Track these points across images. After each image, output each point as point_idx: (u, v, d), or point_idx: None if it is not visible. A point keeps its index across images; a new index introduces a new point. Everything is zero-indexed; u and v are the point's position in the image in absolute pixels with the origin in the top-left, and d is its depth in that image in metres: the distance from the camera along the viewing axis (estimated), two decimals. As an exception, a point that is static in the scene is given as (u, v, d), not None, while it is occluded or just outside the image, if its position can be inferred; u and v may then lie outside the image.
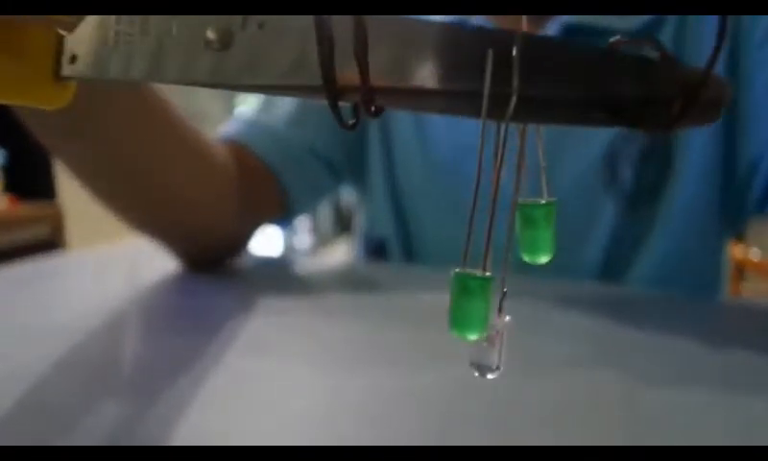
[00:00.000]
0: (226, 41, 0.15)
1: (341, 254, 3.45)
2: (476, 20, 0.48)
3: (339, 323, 0.34)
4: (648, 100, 0.13)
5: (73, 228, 1.77)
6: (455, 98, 0.14)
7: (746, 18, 0.43)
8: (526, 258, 0.16)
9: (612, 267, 0.47)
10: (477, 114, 0.13)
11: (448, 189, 0.50)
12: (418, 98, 0.14)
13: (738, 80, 0.43)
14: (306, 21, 0.14)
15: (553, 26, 0.45)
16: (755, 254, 1.18)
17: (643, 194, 0.46)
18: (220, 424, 0.22)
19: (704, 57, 0.13)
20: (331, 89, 0.14)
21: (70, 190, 1.81)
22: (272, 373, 0.27)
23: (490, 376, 0.15)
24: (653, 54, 0.13)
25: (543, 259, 0.16)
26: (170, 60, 0.15)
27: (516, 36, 0.14)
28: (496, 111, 0.13)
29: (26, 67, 0.16)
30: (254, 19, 0.15)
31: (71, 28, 0.16)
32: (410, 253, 0.54)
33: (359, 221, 0.61)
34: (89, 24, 0.16)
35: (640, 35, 0.45)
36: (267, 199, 0.50)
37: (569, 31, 0.45)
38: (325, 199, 0.58)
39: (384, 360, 0.28)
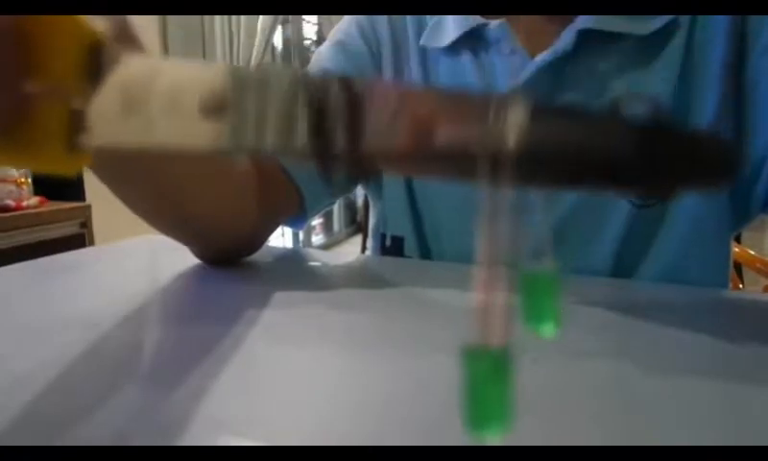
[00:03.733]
0: (220, 107, 0.15)
1: (353, 252, 3.45)
2: (493, 28, 0.48)
3: (353, 314, 0.34)
4: (649, 170, 0.12)
5: (100, 225, 1.80)
6: (448, 163, 0.14)
7: (754, 22, 0.43)
8: (530, 328, 0.14)
9: (623, 266, 0.46)
10: (471, 181, 0.12)
11: (467, 189, 0.49)
12: (409, 164, 0.14)
13: (745, 81, 0.43)
14: (294, 87, 0.14)
15: (569, 32, 0.45)
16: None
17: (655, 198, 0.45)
18: (238, 410, 0.22)
19: (710, 66, 0.13)
20: (320, 155, 0.13)
21: (97, 191, 1.83)
22: (288, 361, 0.27)
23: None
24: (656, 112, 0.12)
25: (549, 332, 0.14)
26: (170, 127, 0.15)
27: (515, 101, 0.12)
28: (492, 175, 0.12)
29: (41, 138, 0.16)
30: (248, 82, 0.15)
31: (83, 101, 0.16)
32: (426, 251, 0.53)
33: (373, 219, 0.61)
34: (101, 97, 0.16)
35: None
36: (282, 199, 0.50)
37: (585, 35, 0.44)
38: (339, 199, 0.58)
39: (397, 350, 0.28)
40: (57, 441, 0.19)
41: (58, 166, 0.17)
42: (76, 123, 0.16)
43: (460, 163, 0.13)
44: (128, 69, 0.16)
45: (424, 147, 0.13)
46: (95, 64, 0.16)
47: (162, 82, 0.16)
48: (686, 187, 0.13)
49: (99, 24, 0.16)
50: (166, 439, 0.20)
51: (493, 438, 0.12)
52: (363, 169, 0.14)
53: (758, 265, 1.12)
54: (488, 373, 0.11)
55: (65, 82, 0.16)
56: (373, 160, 0.14)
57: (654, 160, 0.12)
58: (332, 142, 0.13)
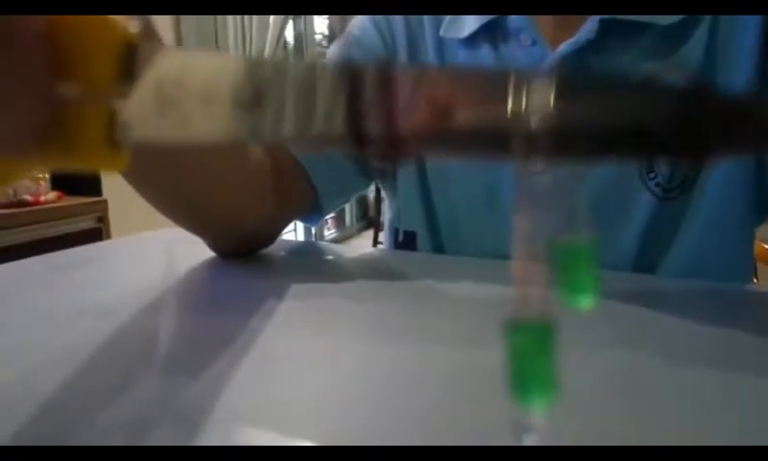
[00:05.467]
0: (256, 99, 0.15)
1: (365, 246, 3.45)
2: (514, 19, 0.47)
3: (367, 306, 0.34)
4: (683, 133, 0.12)
5: (116, 220, 1.81)
6: (484, 140, 0.13)
7: None
8: (567, 302, 0.14)
9: (647, 257, 0.46)
10: (505, 157, 0.12)
11: (484, 185, 0.49)
12: (446, 144, 0.14)
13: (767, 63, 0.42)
14: (332, 73, 0.14)
15: (591, 22, 0.44)
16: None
17: (678, 184, 0.45)
18: (254, 400, 0.22)
19: (735, 57, 0.13)
20: (356, 140, 0.13)
21: (114, 185, 1.85)
22: (303, 352, 0.27)
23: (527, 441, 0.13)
24: (687, 80, 0.12)
25: (587, 303, 0.14)
26: (205, 121, 0.15)
27: (550, 75, 0.12)
28: (525, 151, 0.12)
29: (83, 140, 0.16)
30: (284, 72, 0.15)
31: (121, 100, 0.16)
32: (438, 246, 0.53)
33: (387, 214, 0.60)
34: (138, 93, 0.16)
35: (676, 38, 0.43)
36: (297, 195, 0.50)
37: (607, 25, 0.43)
38: (354, 196, 0.58)
39: (411, 341, 0.28)
40: (75, 429, 0.20)
41: (102, 165, 0.17)
42: (116, 122, 0.16)
43: (492, 141, 0.13)
44: (161, 66, 0.16)
45: (457, 126, 0.13)
46: (130, 64, 0.16)
47: (196, 76, 0.16)
48: (729, 151, 0.12)
49: (131, 24, 0.16)
50: (183, 428, 0.20)
51: (540, 409, 0.12)
52: (399, 152, 0.14)
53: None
54: (531, 345, 0.12)
55: (102, 83, 0.16)
56: (409, 143, 0.13)
57: (693, 122, 0.12)
58: (368, 127, 0.13)
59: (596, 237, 0.14)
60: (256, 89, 0.15)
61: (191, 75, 0.16)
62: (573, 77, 0.12)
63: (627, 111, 0.12)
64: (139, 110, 0.16)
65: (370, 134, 0.13)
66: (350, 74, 0.14)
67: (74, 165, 0.17)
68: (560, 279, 0.14)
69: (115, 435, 0.19)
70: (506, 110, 0.12)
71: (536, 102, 0.12)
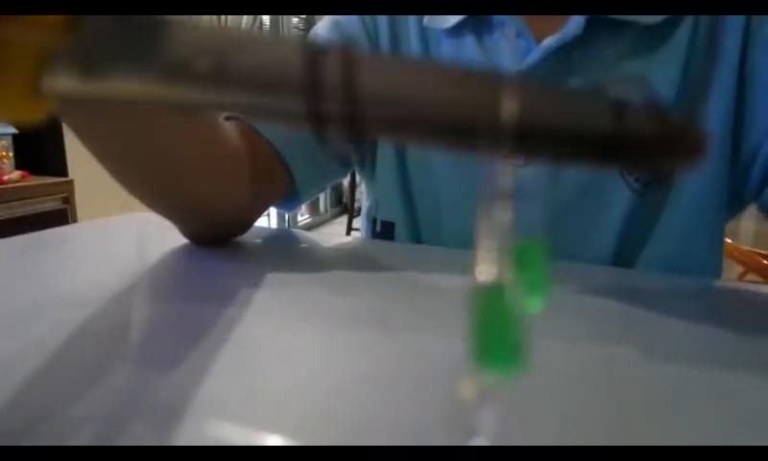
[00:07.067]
0: (216, 67, 0.14)
1: (339, 231, 3.44)
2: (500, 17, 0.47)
3: (344, 295, 0.34)
4: (627, 142, 0.13)
5: (83, 201, 1.76)
6: (446, 135, 0.13)
7: (757, 17, 0.43)
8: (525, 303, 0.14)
9: (625, 252, 0.46)
10: (468, 152, 0.12)
11: (465, 176, 0.49)
12: (405, 133, 0.13)
13: (747, 72, 0.43)
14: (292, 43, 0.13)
15: (578, 17, 0.44)
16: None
17: (656, 181, 0.45)
18: (230, 391, 0.22)
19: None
20: (314, 116, 0.13)
21: (80, 165, 1.79)
22: (280, 342, 0.27)
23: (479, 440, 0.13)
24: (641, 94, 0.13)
25: (537, 305, 0.14)
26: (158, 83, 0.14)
27: (507, 82, 0.12)
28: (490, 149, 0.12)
29: (5, 83, 0.15)
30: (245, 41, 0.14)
31: (53, 42, 0.15)
32: (418, 237, 0.53)
33: (364, 203, 0.60)
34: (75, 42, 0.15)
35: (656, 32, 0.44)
36: (274, 181, 0.49)
37: (593, 21, 0.43)
38: (332, 183, 0.58)
39: (389, 331, 0.28)
40: (42, 427, 0.19)
41: (21, 111, 0.16)
42: (43, 66, 0.15)
43: (458, 135, 0.13)
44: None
45: (421, 118, 0.13)
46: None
47: (150, 34, 0.14)
48: (663, 164, 0.13)
49: None
50: (157, 423, 0.19)
51: (507, 373, 0.12)
52: (357, 135, 0.13)
53: (736, 254, 1.14)
54: (492, 302, 0.12)
55: (43, 24, 0.15)
56: (369, 127, 0.13)
57: (628, 137, 0.12)
58: (327, 106, 0.13)
59: (546, 238, 0.14)
60: (216, 56, 0.14)
61: (145, 32, 0.14)
62: (539, 80, 0.12)
63: (575, 121, 0.12)
64: (68, 59, 0.15)
65: (328, 114, 0.13)
66: (314, 50, 0.13)
67: None
68: (516, 278, 0.14)
69: (84, 432, 0.19)
70: (472, 106, 0.12)
71: (502, 100, 0.12)
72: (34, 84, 0.15)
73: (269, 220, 2.99)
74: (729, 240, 1.17)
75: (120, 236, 0.50)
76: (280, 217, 3.09)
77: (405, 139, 0.14)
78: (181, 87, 0.14)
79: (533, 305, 0.14)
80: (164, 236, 0.45)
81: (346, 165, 0.55)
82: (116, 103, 0.15)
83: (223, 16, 2.63)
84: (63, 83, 0.15)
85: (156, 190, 0.41)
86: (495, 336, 0.12)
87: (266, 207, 0.50)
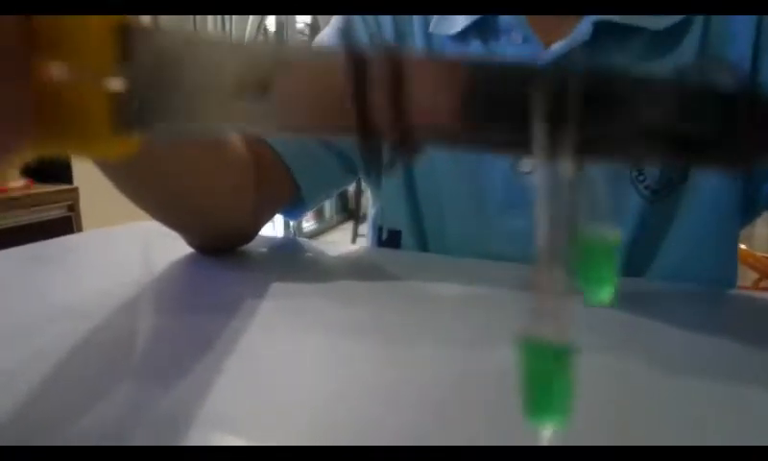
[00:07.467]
0: (263, 86, 0.14)
1: (344, 239, 3.44)
2: (505, 16, 0.47)
3: (350, 306, 0.33)
4: (725, 137, 0.12)
5: (88, 210, 1.76)
6: (502, 141, 0.13)
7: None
8: (587, 296, 0.14)
9: (636, 260, 0.46)
10: (526, 154, 0.12)
11: (472, 185, 0.48)
12: (457, 139, 0.13)
13: (759, 73, 0.42)
14: (338, 59, 0.13)
15: (585, 23, 0.43)
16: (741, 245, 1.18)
17: (667, 188, 0.45)
18: (235, 404, 0.21)
19: (730, 58, 0.12)
20: (366, 130, 0.12)
21: (85, 172, 1.80)
22: (285, 354, 0.26)
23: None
24: (726, 78, 0.12)
25: (606, 297, 0.14)
26: (210, 109, 0.15)
27: (571, 73, 0.11)
28: (549, 152, 0.11)
29: (85, 122, 0.16)
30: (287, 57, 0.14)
31: (119, 81, 0.16)
32: (425, 246, 0.52)
33: (370, 211, 0.59)
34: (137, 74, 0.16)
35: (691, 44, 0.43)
36: (278, 190, 0.49)
37: (601, 27, 0.43)
38: (338, 191, 0.57)
39: (395, 342, 0.28)
40: (46, 440, 0.18)
41: (107, 151, 0.17)
42: (119, 106, 0.16)
43: (513, 138, 0.12)
44: (161, 46, 0.15)
45: (474, 119, 0.12)
46: (126, 43, 0.15)
47: (198, 59, 0.15)
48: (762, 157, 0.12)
49: None
50: (161, 436, 0.19)
51: (553, 428, 0.12)
52: (410, 144, 0.13)
53: (750, 260, 1.12)
54: (549, 368, 0.12)
55: (98, 62, 0.15)
56: (419, 134, 0.13)
57: (738, 129, 0.11)
58: (376, 117, 0.13)
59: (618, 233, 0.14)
60: (264, 78, 0.14)
61: (194, 56, 0.15)
62: (604, 75, 0.12)
63: (662, 114, 0.11)
64: (141, 92, 0.15)
65: (379, 125, 0.13)
66: (358, 60, 0.13)
67: (77, 148, 0.17)
68: (580, 272, 0.14)
69: (90, 441, 0.18)
70: (528, 108, 0.11)
71: (565, 102, 0.11)
72: (111, 121, 0.16)
73: (273, 226, 3.00)
74: (743, 246, 1.15)
75: (125, 246, 0.50)
76: (285, 223, 3.09)
77: (457, 147, 0.14)
78: (236, 108, 0.14)
79: (600, 299, 0.14)
80: (169, 246, 0.45)
81: (352, 172, 0.54)
82: (193, 135, 0.16)
83: (227, 24, 2.64)
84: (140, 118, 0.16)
85: (160, 202, 0.40)
86: (545, 398, 0.12)
87: (271, 216, 0.50)
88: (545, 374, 0.12)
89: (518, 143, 0.12)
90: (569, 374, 0.12)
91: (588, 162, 0.12)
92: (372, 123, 0.13)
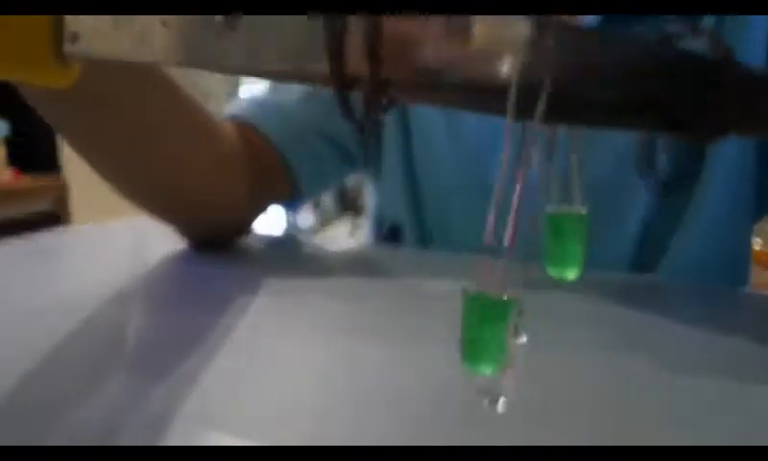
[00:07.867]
0: (232, 24, 0.14)
1: (343, 233, 3.43)
2: None
3: (347, 303, 0.33)
4: (706, 106, 0.11)
5: (77, 202, 1.73)
6: (477, 94, 0.12)
7: None
8: (552, 273, 0.15)
9: (646, 254, 0.45)
10: (502, 112, 0.11)
11: (475, 178, 0.47)
12: (433, 92, 0.13)
13: None
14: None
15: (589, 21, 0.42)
16: (756, 244, 1.16)
17: (678, 181, 0.44)
18: (228, 402, 0.21)
19: (743, 51, 0.11)
20: (340, 78, 0.12)
21: (74, 164, 1.77)
22: (280, 352, 0.26)
23: (500, 409, 0.14)
24: (708, 47, 0.11)
25: (571, 275, 0.15)
26: (178, 43, 0.15)
27: (550, 26, 0.11)
28: (525, 110, 0.11)
29: (27, 45, 0.16)
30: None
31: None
32: (425, 240, 0.51)
33: (370, 204, 0.58)
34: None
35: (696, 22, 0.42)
36: (274, 180, 0.47)
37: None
38: (336, 182, 0.56)
39: (392, 340, 0.27)
40: (36, 436, 0.18)
41: (46, 76, 0.16)
42: (63, 32, 0.15)
43: (489, 94, 0.12)
44: None
45: (450, 75, 0.12)
46: None
47: None
48: (750, 131, 0.13)
49: None
50: (153, 433, 0.19)
51: (488, 374, 0.13)
52: (383, 97, 0.13)
53: (764, 259, 1.11)
54: (482, 315, 0.13)
55: None
56: (396, 87, 0.13)
57: (715, 97, 0.11)
58: (352, 64, 0.12)
59: (590, 213, 0.14)
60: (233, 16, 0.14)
61: None
62: (586, 32, 0.11)
63: (641, 79, 0.11)
64: (93, 22, 0.15)
65: (354, 74, 0.12)
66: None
67: (16, 75, 0.17)
68: (548, 248, 0.15)
69: (78, 442, 0.18)
70: (507, 62, 0.11)
71: (542, 56, 0.11)
72: (55, 47, 0.16)
73: (270, 220, 2.97)
74: (757, 246, 1.15)
75: (117, 241, 0.49)
76: (287, 219, 3.07)
77: (432, 101, 0.15)
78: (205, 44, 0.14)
79: (568, 275, 0.15)
80: (163, 241, 0.43)
81: (350, 164, 0.53)
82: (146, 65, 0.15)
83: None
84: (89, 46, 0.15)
85: (148, 192, 0.39)
86: (481, 345, 0.13)
87: (266, 207, 0.49)
88: (479, 324, 0.13)
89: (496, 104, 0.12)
90: (503, 326, 0.13)
91: (560, 122, 0.12)
92: (347, 73, 0.12)
